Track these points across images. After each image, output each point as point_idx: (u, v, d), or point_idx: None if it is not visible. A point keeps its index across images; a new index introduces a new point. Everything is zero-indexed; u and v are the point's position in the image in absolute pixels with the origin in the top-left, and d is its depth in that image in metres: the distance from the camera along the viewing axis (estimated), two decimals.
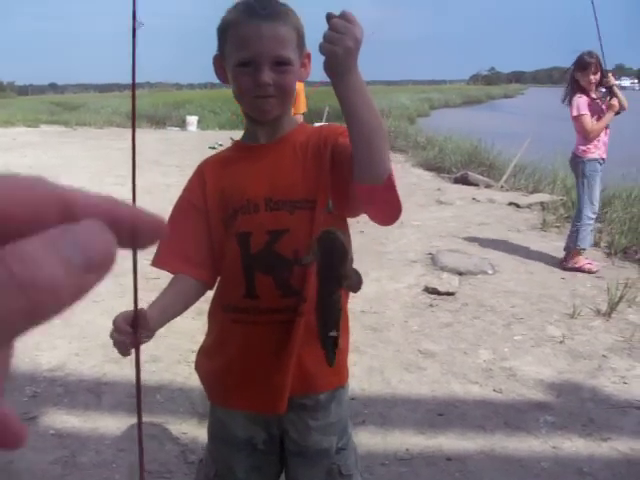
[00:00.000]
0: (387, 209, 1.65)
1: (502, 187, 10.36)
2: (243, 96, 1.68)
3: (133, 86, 1.60)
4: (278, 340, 1.69)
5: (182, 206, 1.81)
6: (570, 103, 5.89)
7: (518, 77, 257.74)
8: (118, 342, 1.56)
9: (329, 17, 1.38)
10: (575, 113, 5.79)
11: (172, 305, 1.74)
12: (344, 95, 1.43)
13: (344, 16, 1.38)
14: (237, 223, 1.70)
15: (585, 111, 5.76)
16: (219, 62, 1.74)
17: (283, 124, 1.75)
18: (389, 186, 1.57)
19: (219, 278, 1.80)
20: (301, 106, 8.89)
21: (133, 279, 1.50)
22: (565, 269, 6.00)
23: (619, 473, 2.96)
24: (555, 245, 6.83)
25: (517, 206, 8.86)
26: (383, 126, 1.52)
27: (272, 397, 1.73)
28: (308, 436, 1.79)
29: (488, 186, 10.49)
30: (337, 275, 1.46)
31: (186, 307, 1.76)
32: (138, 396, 1.75)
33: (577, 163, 5.94)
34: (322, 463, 1.82)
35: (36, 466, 2.97)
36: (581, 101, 5.81)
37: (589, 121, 5.74)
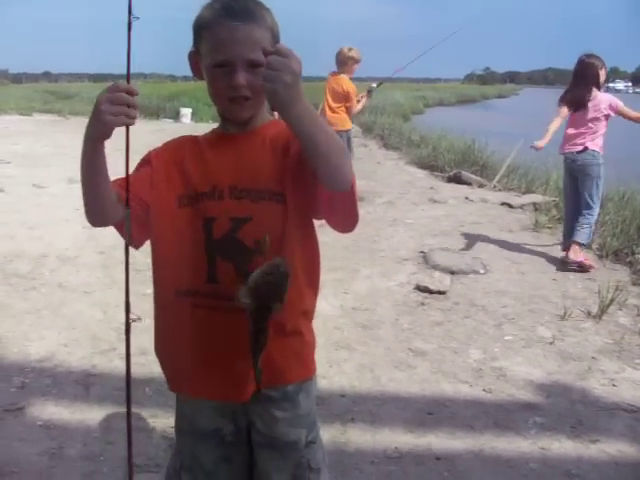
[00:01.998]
0: (346, 216, 1.67)
1: (495, 187, 10.37)
2: (218, 97, 1.70)
3: (128, 80, 1.56)
4: (241, 327, 1.63)
5: (142, 160, 1.82)
6: (595, 99, 5.97)
7: (513, 77, 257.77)
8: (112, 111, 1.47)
9: (265, 54, 1.41)
10: (620, 103, 5.91)
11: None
12: (295, 126, 1.44)
13: (279, 51, 1.38)
14: (201, 207, 1.71)
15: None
16: (194, 58, 1.75)
17: (255, 119, 1.76)
18: (351, 194, 1.58)
19: (170, 264, 1.76)
20: (347, 123, 8.87)
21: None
22: (567, 264, 6.04)
23: (607, 475, 2.96)
24: (547, 246, 6.85)
25: (510, 206, 8.87)
26: (338, 143, 1.52)
27: (235, 384, 1.73)
28: (275, 427, 1.78)
29: (481, 186, 10.51)
30: (272, 307, 1.54)
31: (107, 195, 1.64)
32: (128, 386, 1.77)
33: (594, 164, 6.00)
34: (291, 456, 1.81)
35: (23, 457, 2.95)
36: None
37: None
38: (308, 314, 1.86)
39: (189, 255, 1.72)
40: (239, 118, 1.73)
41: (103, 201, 1.63)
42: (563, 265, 6.07)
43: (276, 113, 1.51)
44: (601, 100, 5.94)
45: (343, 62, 8.51)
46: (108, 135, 1.52)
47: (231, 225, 1.69)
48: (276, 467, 1.82)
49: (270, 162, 1.71)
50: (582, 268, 5.99)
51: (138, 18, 1.54)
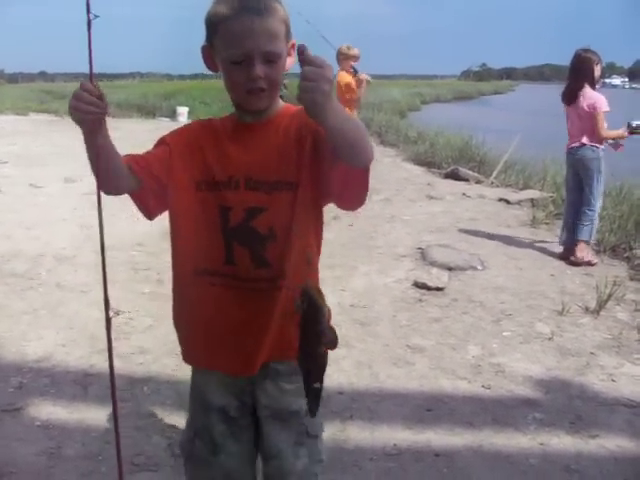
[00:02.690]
0: (359, 192, 1.71)
1: (492, 183, 10.37)
2: (235, 89, 1.74)
3: (91, 79, 1.60)
4: (254, 306, 1.78)
5: (158, 141, 1.88)
6: (583, 95, 5.94)
7: (509, 73, 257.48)
8: (82, 105, 1.57)
9: (300, 51, 1.43)
10: (603, 108, 5.83)
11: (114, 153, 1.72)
12: (331, 129, 1.50)
13: (312, 62, 1.41)
14: (218, 195, 1.78)
15: (607, 107, 5.85)
16: (208, 53, 1.79)
17: (271, 108, 1.81)
18: (368, 170, 1.64)
19: (190, 243, 1.84)
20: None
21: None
22: (572, 263, 6.05)
23: (607, 470, 2.96)
24: (545, 242, 6.85)
25: (507, 202, 8.87)
26: (362, 129, 1.59)
27: (246, 360, 1.82)
28: (282, 398, 1.88)
29: (478, 182, 10.51)
30: (316, 331, 1.58)
31: (116, 170, 1.72)
32: (112, 387, 1.83)
33: (592, 158, 5.99)
34: (294, 425, 1.91)
35: (21, 457, 2.95)
36: (602, 96, 5.89)
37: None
38: None
39: (207, 238, 1.80)
40: (256, 109, 1.77)
41: (113, 174, 1.71)
42: (570, 264, 6.07)
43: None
44: (589, 97, 5.92)
45: (342, 60, 8.69)
46: (91, 130, 1.61)
47: (246, 215, 1.77)
48: (282, 437, 1.91)
49: (285, 152, 1.77)
50: (590, 264, 6.03)
51: (98, 16, 1.58)
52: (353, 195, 1.73)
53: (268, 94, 1.73)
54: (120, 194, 1.78)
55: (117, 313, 1.79)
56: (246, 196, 1.76)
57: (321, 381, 1.63)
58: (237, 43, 1.66)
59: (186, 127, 1.95)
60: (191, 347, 1.96)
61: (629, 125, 6.22)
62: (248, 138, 1.81)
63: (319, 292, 1.60)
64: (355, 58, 8.71)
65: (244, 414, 1.93)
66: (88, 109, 1.56)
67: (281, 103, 1.86)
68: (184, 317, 1.94)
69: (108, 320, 1.78)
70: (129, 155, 1.75)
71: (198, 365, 1.97)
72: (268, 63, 1.68)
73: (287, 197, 1.75)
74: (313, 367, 1.63)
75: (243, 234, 1.77)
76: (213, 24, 1.71)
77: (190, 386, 2.01)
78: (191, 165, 1.80)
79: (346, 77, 8.56)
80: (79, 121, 1.58)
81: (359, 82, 8.59)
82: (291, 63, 1.79)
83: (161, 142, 1.86)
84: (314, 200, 1.79)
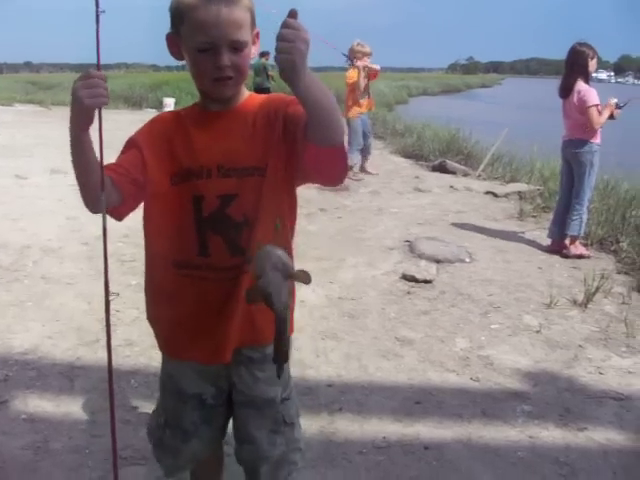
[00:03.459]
0: (337, 169, 1.75)
1: (479, 176, 10.39)
2: (202, 78, 1.76)
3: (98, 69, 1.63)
4: (226, 295, 1.83)
5: (128, 143, 1.88)
6: (575, 90, 5.93)
7: (496, 67, 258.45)
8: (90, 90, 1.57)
9: (292, 15, 1.46)
10: (592, 102, 5.81)
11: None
12: (305, 94, 1.52)
13: (288, 25, 1.43)
14: (191, 186, 1.80)
15: (597, 101, 5.83)
16: (173, 41, 1.80)
17: (236, 97, 1.85)
18: (343, 146, 1.69)
19: (163, 237, 1.86)
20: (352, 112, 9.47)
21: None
22: (567, 257, 6.08)
23: (595, 463, 2.96)
24: (532, 234, 6.87)
25: (494, 195, 8.88)
26: (334, 102, 1.62)
27: (218, 347, 1.88)
28: (255, 387, 1.94)
29: (466, 175, 10.52)
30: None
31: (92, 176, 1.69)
32: (110, 380, 1.88)
33: (585, 152, 5.99)
34: (269, 412, 1.98)
35: (7, 451, 2.91)
36: (593, 90, 5.88)
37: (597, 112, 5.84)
38: None
39: (180, 230, 1.82)
40: (223, 96, 1.80)
41: (97, 187, 1.68)
42: (564, 258, 6.09)
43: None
44: (580, 91, 5.92)
45: (354, 57, 9.55)
46: (91, 119, 1.59)
47: (219, 202, 1.80)
48: (256, 424, 1.98)
49: (253, 138, 1.80)
50: (582, 256, 6.08)
51: (104, 11, 1.61)
52: (330, 173, 1.77)
53: (234, 82, 1.76)
54: (99, 212, 1.74)
55: (118, 294, 1.81)
56: (219, 184, 1.79)
57: (284, 333, 1.63)
58: (204, 32, 1.68)
59: (152, 122, 1.94)
60: (164, 338, 2.01)
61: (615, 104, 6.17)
62: (216, 126, 1.83)
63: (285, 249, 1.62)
64: (363, 53, 9.31)
65: (221, 401, 1.99)
66: (102, 93, 1.57)
67: (246, 92, 1.88)
68: (158, 310, 1.97)
69: (107, 302, 1.79)
70: (107, 166, 1.73)
71: (172, 355, 2.01)
72: (234, 51, 1.71)
73: (258, 182, 1.79)
74: (284, 330, 1.63)
75: (217, 222, 1.80)
76: (179, 12, 1.72)
77: (160, 375, 2.08)
78: (163, 160, 1.81)
79: (351, 73, 9.04)
80: (86, 109, 1.57)
81: (359, 72, 9.03)
82: (256, 50, 1.82)
83: (131, 144, 1.85)
84: (285, 182, 1.84)
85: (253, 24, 1.77)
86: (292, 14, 1.44)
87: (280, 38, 1.42)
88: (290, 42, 1.41)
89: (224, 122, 1.83)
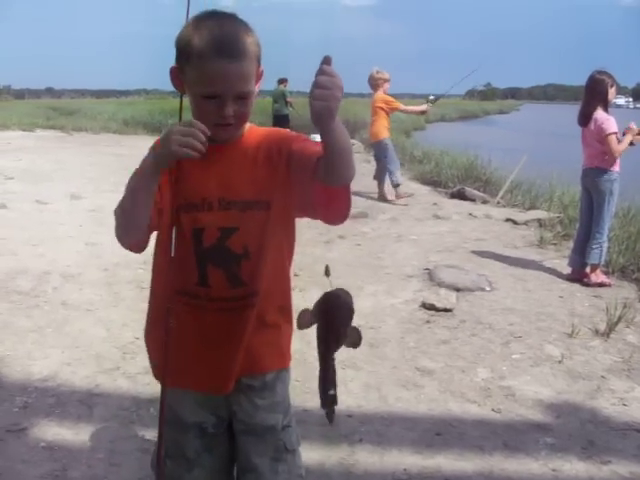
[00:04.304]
0: (342, 208, 1.74)
1: (499, 203, 10.34)
2: (203, 120, 1.72)
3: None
4: (227, 326, 1.85)
5: None
6: (594, 118, 5.91)
7: (514, 93, 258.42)
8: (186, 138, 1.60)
9: (327, 62, 1.46)
10: (611, 130, 5.79)
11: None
12: (332, 137, 1.53)
13: (325, 72, 1.44)
14: (192, 218, 1.81)
15: (616, 129, 5.82)
16: (176, 74, 1.80)
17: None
18: (349, 186, 1.69)
19: (170, 264, 1.83)
20: (384, 131, 10.10)
21: None
22: (588, 285, 6.03)
23: None
24: (553, 262, 6.81)
25: (514, 222, 8.83)
26: (350, 144, 1.64)
27: (220, 378, 1.89)
28: (255, 414, 1.94)
29: (485, 202, 10.48)
30: (339, 336, 1.68)
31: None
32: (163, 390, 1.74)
33: (605, 180, 5.96)
34: (270, 440, 1.96)
35: None
36: (612, 118, 5.86)
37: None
38: (285, 309, 1.97)
39: (181, 260, 1.81)
40: (221, 139, 1.80)
41: (140, 228, 1.76)
42: (585, 287, 6.03)
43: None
44: (599, 120, 5.90)
45: (375, 84, 10.04)
46: (166, 164, 1.65)
47: (220, 235, 1.82)
48: (257, 451, 1.96)
49: (254, 172, 1.82)
50: (603, 285, 6.03)
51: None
52: (337, 212, 1.76)
53: (235, 127, 1.79)
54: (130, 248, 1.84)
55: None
56: (220, 216, 1.81)
57: (335, 387, 1.69)
58: (209, 83, 1.69)
59: None
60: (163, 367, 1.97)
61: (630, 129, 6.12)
62: (218, 159, 1.83)
63: (347, 293, 1.70)
64: (383, 80, 9.77)
65: (220, 430, 1.98)
66: (194, 146, 1.59)
67: (247, 125, 1.89)
68: (157, 336, 1.93)
69: (168, 329, 1.77)
70: None
71: (171, 385, 1.94)
72: (239, 100, 1.72)
73: (260, 215, 1.81)
74: (330, 375, 1.68)
75: (218, 254, 1.82)
76: (187, 53, 1.72)
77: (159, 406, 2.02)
78: (170, 191, 1.81)
79: (382, 97, 9.57)
80: (168, 154, 1.61)
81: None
82: (258, 87, 1.83)
83: None
84: (286, 217, 1.87)
85: (258, 64, 1.78)
86: (327, 60, 1.44)
87: (317, 85, 1.43)
88: (327, 89, 1.43)
89: (225, 155, 1.84)
